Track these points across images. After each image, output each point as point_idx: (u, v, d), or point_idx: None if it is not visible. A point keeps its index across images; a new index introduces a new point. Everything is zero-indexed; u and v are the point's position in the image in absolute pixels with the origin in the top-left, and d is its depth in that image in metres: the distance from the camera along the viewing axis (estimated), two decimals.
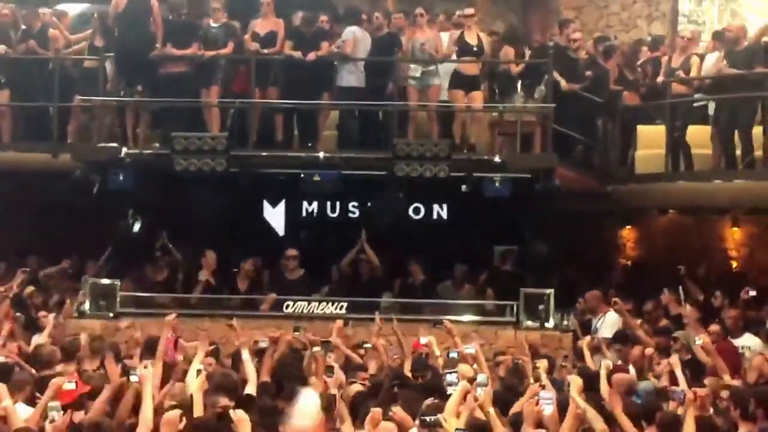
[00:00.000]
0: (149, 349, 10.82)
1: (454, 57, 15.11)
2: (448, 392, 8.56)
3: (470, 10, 15.07)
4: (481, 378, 8.22)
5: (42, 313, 13.66)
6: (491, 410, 7.86)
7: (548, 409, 7.87)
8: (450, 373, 9.31)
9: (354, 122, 15.33)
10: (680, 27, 18.15)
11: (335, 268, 15.27)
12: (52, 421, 7.44)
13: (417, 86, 14.99)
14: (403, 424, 7.64)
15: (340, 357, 11.45)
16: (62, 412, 7.61)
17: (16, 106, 15.92)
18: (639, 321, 13.43)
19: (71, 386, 8.44)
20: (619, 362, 11.42)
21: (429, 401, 8.27)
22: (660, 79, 15.52)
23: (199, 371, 9.01)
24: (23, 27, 16.13)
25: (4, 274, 15.32)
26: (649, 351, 11.70)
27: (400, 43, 15.26)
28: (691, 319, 12.88)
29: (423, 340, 11.95)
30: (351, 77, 14.94)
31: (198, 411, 8.22)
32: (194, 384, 8.71)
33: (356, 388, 9.77)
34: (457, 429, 7.32)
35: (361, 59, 15.08)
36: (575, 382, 8.28)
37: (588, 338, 12.49)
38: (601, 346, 12.21)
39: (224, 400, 8.86)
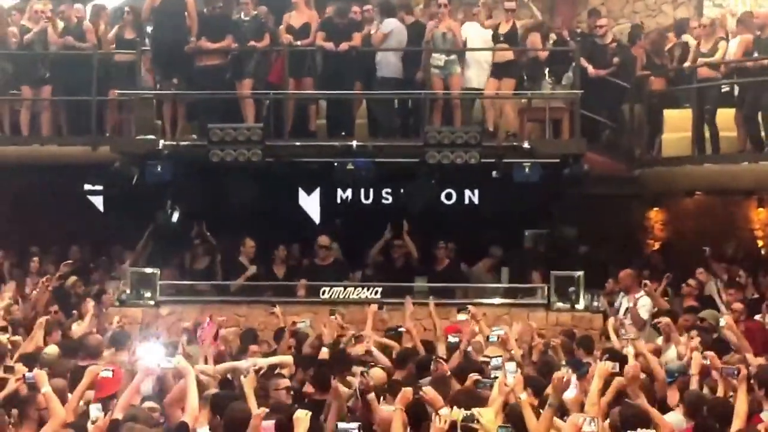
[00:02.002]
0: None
1: (480, 45, 15.24)
2: (493, 376, 8.69)
3: (511, 4, 15.17)
4: (509, 366, 8.26)
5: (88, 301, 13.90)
6: (523, 396, 7.91)
7: (572, 392, 7.90)
8: (494, 357, 9.40)
9: (385, 111, 15.49)
10: (705, 11, 18.14)
11: (369, 255, 15.48)
12: (95, 421, 7.44)
13: (440, 75, 15.10)
14: (434, 404, 7.69)
15: (376, 343, 11.61)
16: (103, 413, 7.62)
17: (56, 100, 16.13)
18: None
19: (108, 374, 8.48)
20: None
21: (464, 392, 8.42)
22: (687, 64, 15.58)
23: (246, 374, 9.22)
24: (62, 23, 16.35)
25: (47, 264, 15.57)
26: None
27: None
28: (732, 302, 12.93)
29: (462, 317, 12.15)
30: (391, 68, 15.10)
31: (253, 407, 8.32)
32: (246, 385, 8.81)
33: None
34: (500, 427, 7.42)
35: (390, 49, 15.22)
36: (602, 366, 8.35)
37: (612, 320, 12.57)
38: (624, 326, 12.31)
39: (285, 381, 9.16)
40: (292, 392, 8.97)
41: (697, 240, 15.86)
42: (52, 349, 10.62)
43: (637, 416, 7.73)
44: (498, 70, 15.08)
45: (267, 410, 7.48)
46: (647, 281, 13.51)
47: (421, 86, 15.10)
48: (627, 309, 13.38)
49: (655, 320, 12.28)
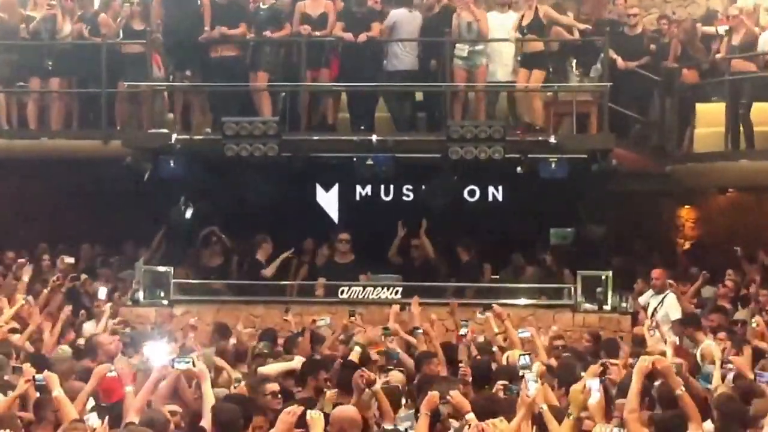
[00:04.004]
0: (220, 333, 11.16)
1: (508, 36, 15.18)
2: (521, 374, 8.68)
3: None
4: (530, 376, 8.25)
5: (99, 301, 13.92)
6: (544, 407, 7.87)
7: (595, 396, 7.89)
8: (523, 355, 9.39)
9: (406, 105, 15.44)
10: (739, 1, 18.04)
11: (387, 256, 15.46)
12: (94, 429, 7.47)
13: (464, 66, 15.02)
14: (461, 409, 7.67)
15: (401, 343, 11.60)
16: (100, 421, 7.60)
17: (66, 92, 16.15)
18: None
19: (113, 374, 8.50)
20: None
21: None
22: (719, 55, 15.50)
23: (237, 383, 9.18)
24: (79, 12, 16.35)
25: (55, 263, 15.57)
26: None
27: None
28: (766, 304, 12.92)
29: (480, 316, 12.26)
30: (397, 61, 15.05)
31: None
32: None
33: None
34: None
35: (409, 40, 15.18)
36: (641, 362, 8.25)
37: (647, 322, 12.52)
38: (660, 326, 12.27)
39: (273, 386, 9.12)
40: (279, 396, 8.89)
41: (729, 239, 15.79)
42: (64, 349, 10.67)
43: (673, 420, 7.69)
44: (528, 61, 14.97)
45: (302, 408, 7.44)
46: (672, 282, 13.49)
47: (441, 78, 15.02)
48: (655, 309, 13.33)
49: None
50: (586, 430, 7.80)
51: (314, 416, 7.23)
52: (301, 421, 7.29)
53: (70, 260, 15.06)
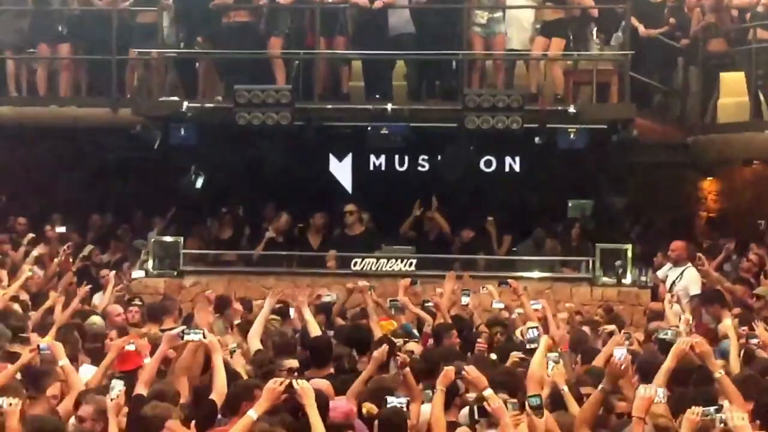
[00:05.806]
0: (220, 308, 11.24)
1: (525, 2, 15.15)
2: (529, 347, 8.74)
3: None
4: (551, 355, 8.28)
5: (104, 271, 14.05)
6: (565, 388, 7.95)
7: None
8: (531, 328, 9.43)
9: (420, 72, 15.42)
10: None
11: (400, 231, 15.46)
12: (114, 397, 7.42)
13: (482, 34, 14.93)
14: (477, 384, 7.66)
15: (411, 317, 11.69)
16: (124, 387, 7.59)
17: (75, 59, 16.20)
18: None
19: (131, 347, 8.59)
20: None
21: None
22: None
23: (232, 352, 9.19)
24: None
25: (68, 233, 15.67)
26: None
27: None
28: None
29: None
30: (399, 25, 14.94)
31: None
32: (237, 364, 8.82)
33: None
34: (530, 396, 7.43)
35: (424, 7, 15.14)
36: (680, 343, 8.29)
37: (667, 296, 12.50)
38: (680, 301, 12.28)
39: (291, 362, 9.15)
40: (295, 374, 8.91)
41: (753, 212, 15.78)
42: (97, 320, 10.79)
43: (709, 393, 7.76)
44: (547, 29, 14.88)
45: (288, 380, 7.48)
46: (701, 255, 13.47)
47: (458, 45, 14.93)
48: (673, 282, 13.34)
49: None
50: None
51: (304, 386, 7.17)
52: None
53: (61, 229, 15.13)
